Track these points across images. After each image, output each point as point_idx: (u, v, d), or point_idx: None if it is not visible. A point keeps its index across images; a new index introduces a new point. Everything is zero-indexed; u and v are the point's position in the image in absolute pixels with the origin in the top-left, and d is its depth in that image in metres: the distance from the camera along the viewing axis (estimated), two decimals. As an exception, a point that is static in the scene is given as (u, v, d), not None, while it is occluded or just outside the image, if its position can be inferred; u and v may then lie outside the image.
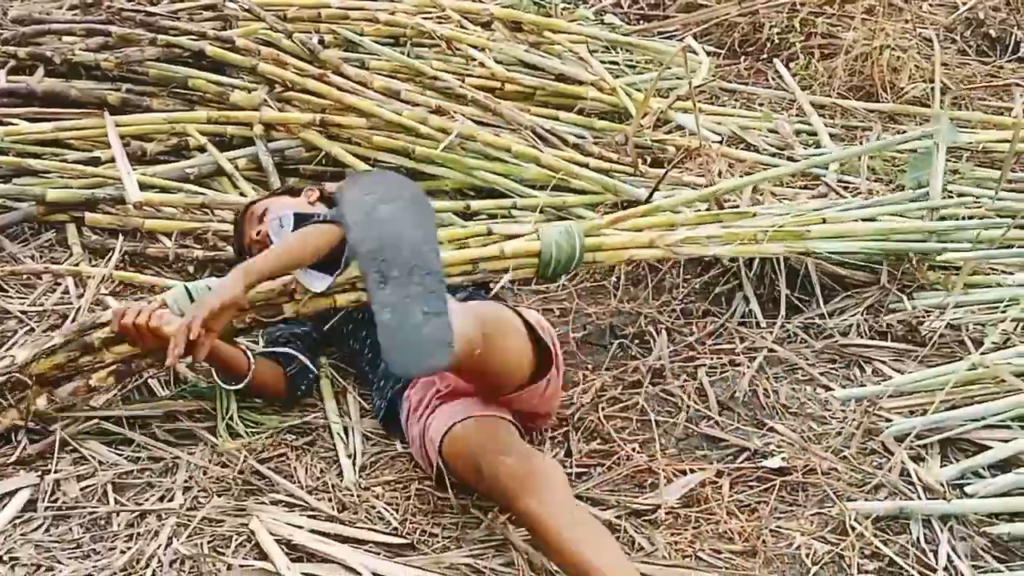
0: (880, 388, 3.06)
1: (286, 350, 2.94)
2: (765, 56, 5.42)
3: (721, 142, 4.45)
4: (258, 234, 3.14)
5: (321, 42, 4.61)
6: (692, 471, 2.73)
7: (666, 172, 3.87)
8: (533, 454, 2.49)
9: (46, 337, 2.90)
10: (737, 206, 3.64)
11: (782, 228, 3.31)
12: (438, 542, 2.48)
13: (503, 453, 2.45)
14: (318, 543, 2.41)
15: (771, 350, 3.24)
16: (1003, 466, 2.74)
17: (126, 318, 2.61)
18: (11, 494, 2.50)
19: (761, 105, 4.93)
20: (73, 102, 4.22)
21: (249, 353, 2.83)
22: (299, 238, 2.73)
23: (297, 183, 3.92)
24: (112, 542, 2.39)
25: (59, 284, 3.41)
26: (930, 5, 5.90)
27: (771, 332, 3.33)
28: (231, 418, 2.81)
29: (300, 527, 2.46)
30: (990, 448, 2.79)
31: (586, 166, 4.12)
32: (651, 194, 3.79)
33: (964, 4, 5.80)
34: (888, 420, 2.93)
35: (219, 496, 2.55)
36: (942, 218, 3.63)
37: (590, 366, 3.20)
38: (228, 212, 3.71)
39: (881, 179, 4.20)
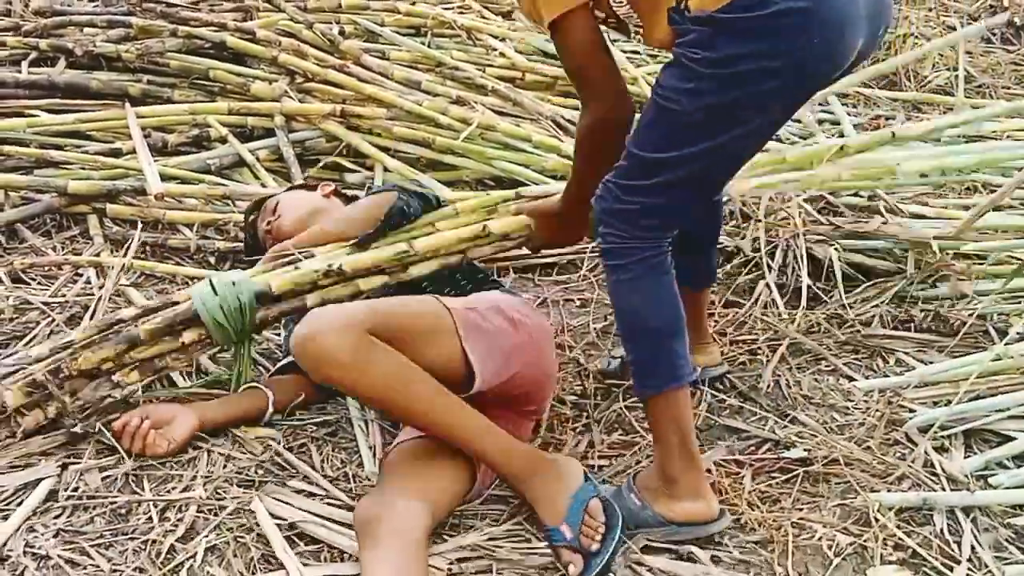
0: (904, 379, 3.04)
1: None
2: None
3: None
4: (268, 225, 3.17)
5: (341, 32, 4.61)
6: (714, 463, 2.72)
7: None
8: (396, 501, 2.38)
9: (63, 333, 2.90)
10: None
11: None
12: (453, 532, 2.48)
13: (376, 488, 2.49)
14: (322, 529, 2.41)
15: (793, 340, 3.22)
16: (1028, 457, 2.72)
17: (126, 430, 2.62)
18: (33, 485, 2.50)
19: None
20: (94, 93, 4.24)
21: (266, 390, 2.83)
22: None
23: (313, 175, 3.93)
24: (134, 533, 2.39)
25: (80, 275, 3.41)
26: (955, -8, 5.87)
27: (794, 322, 3.31)
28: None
29: (307, 511, 2.47)
30: (1015, 439, 2.76)
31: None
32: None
33: (990, -10, 5.77)
34: (911, 411, 2.91)
35: (240, 487, 2.55)
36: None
37: (613, 356, 3.18)
38: (249, 203, 3.71)
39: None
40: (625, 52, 4.95)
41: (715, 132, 2.29)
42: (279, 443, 2.72)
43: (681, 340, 2.45)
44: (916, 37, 5.05)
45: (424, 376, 2.42)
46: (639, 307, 2.44)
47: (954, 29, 5.27)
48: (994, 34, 5.47)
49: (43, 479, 2.52)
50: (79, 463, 2.57)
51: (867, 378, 3.09)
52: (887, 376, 3.10)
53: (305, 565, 2.31)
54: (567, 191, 2.82)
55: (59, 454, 2.61)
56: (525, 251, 3.61)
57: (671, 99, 2.29)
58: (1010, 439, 2.77)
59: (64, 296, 3.27)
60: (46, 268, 3.44)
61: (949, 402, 2.88)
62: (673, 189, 2.35)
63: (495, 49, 4.73)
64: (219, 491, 2.53)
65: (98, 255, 3.51)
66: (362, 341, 2.34)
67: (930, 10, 5.45)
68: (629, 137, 2.41)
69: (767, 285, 3.44)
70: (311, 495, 2.55)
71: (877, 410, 2.92)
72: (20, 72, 4.34)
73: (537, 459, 2.51)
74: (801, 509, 2.58)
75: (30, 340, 3.01)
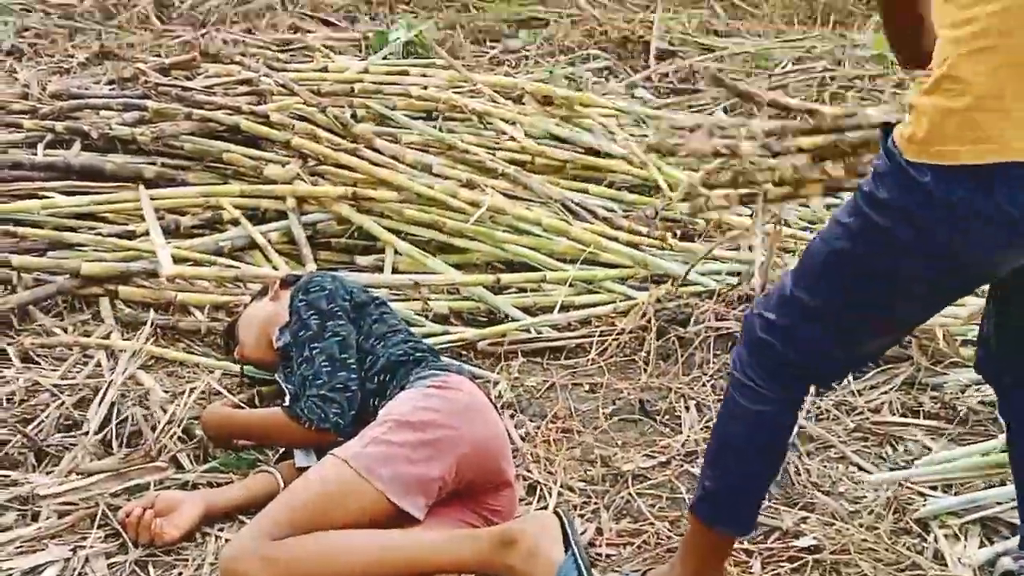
0: (913, 471, 3.03)
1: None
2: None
3: (752, 217, 4.45)
4: (237, 352, 3.34)
5: (354, 116, 4.66)
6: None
7: (707, 253, 3.90)
8: (275, 557, 2.41)
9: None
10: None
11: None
12: None
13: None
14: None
15: (802, 427, 3.22)
16: (1039, 548, 2.69)
17: (130, 521, 2.64)
18: (40, 569, 2.50)
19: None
20: (109, 176, 4.28)
21: (275, 473, 2.84)
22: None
23: (325, 258, 3.99)
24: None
25: (91, 356, 3.43)
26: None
27: (802, 409, 3.30)
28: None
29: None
30: (1026, 529, 2.75)
31: (616, 239, 4.13)
32: (687, 272, 3.82)
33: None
34: (922, 498, 2.90)
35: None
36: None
37: (620, 442, 3.18)
38: (260, 285, 3.73)
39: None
40: (634, 137, 4.97)
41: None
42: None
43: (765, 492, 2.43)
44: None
45: (348, 540, 2.45)
46: (747, 442, 2.36)
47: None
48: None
49: (51, 563, 2.51)
50: (86, 548, 2.56)
51: (876, 466, 3.08)
52: (897, 463, 3.09)
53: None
54: None
55: (69, 538, 2.60)
56: (533, 334, 3.65)
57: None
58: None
59: (74, 378, 3.28)
60: (57, 350, 3.45)
61: (959, 491, 2.87)
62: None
63: (505, 133, 4.77)
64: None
65: (108, 337, 3.52)
66: (267, 557, 2.38)
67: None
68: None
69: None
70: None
71: (887, 498, 2.90)
72: (36, 154, 4.39)
73: (506, 534, 2.46)
74: (811, 600, 2.57)
75: (39, 423, 3.02)
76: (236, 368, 3.36)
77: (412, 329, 3.30)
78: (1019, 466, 2.43)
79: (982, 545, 2.73)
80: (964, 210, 2.00)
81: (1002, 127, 1.97)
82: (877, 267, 2.14)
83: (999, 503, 2.83)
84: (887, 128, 2.12)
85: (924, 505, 2.86)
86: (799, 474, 3.03)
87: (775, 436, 2.37)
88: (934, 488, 2.95)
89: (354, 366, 2.93)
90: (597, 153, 4.75)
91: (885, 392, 3.38)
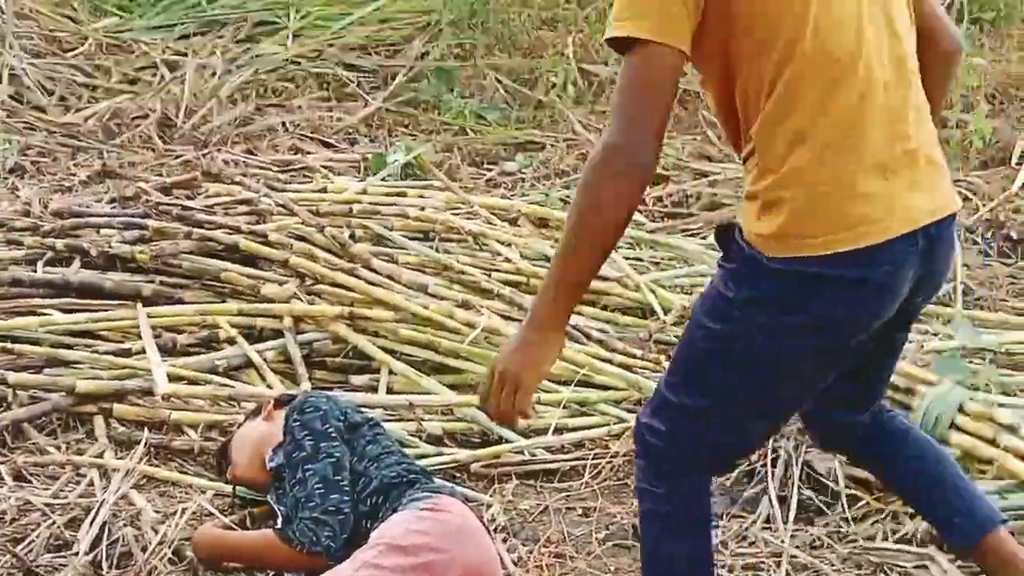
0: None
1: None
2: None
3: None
4: (230, 472, 3.33)
5: (352, 236, 4.72)
6: None
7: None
8: None
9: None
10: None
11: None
12: None
13: None
14: None
15: (794, 556, 3.20)
16: None
17: None
18: None
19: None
20: (108, 293, 4.31)
21: None
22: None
23: (319, 378, 4.00)
24: None
25: (83, 475, 3.42)
26: (951, 205, 5.99)
27: (795, 537, 3.29)
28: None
29: None
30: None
31: (610, 362, 4.15)
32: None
33: (984, 205, 5.90)
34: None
35: None
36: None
37: (613, 568, 3.17)
38: (254, 404, 3.74)
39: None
40: (628, 260, 5.02)
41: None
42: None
43: None
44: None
45: None
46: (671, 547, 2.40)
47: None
48: (991, 247, 5.58)
49: None
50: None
51: (871, 594, 3.07)
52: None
53: None
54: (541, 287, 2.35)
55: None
56: (527, 456, 3.65)
57: None
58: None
59: (66, 498, 3.27)
60: (49, 468, 3.44)
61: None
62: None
63: (501, 254, 4.82)
64: None
65: (102, 456, 3.52)
66: None
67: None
68: None
69: (769, 498, 3.44)
70: None
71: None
72: (36, 271, 4.43)
73: None
74: None
75: (29, 543, 3.00)
76: (228, 488, 3.36)
77: (406, 450, 3.31)
78: (911, 484, 2.62)
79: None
80: (839, 288, 2.15)
81: (864, 210, 2.15)
82: (761, 355, 2.23)
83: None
84: (725, 228, 2.27)
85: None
86: (793, 602, 3.02)
87: (694, 530, 2.40)
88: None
89: (347, 488, 2.94)
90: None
91: (877, 521, 3.37)
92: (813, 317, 2.20)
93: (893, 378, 3.09)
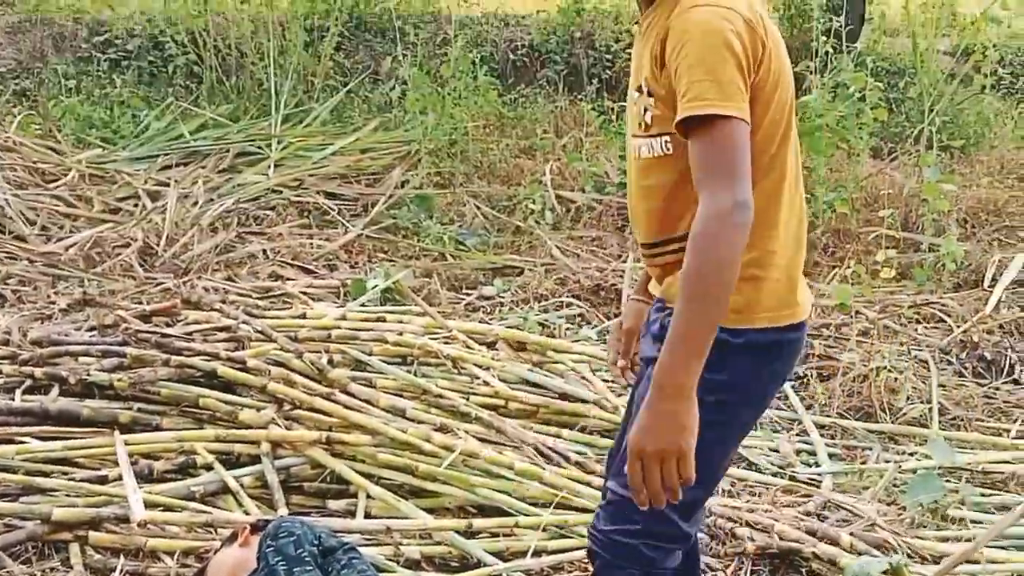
0: None
1: None
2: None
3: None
4: None
5: (330, 362, 4.74)
6: None
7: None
8: None
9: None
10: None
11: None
12: None
13: None
14: None
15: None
16: None
17: None
18: None
19: (764, 425, 4.99)
20: (85, 421, 4.31)
21: None
22: None
23: (297, 503, 3.98)
24: None
25: (58, 604, 3.39)
26: (924, 327, 6.07)
27: None
28: None
29: None
30: None
31: (589, 484, 4.15)
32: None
33: (958, 327, 5.97)
34: None
35: None
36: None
37: None
38: (231, 531, 3.72)
39: (883, 500, 4.22)
40: (606, 382, 5.05)
41: None
42: None
43: None
44: (889, 370, 5.20)
45: None
46: None
47: (926, 363, 5.44)
48: (965, 367, 5.63)
49: None
50: None
51: None
52: None
53: None
54: (666, 354, 2.31)
55: None
56: None
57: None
58: None
59: (39, 626, 3.23)
60: (23, 597, 3.41)
61: None
62: None
63: (479, 378, 4.85)
64: None
65: (76, 583, 3.49)
66: None
67: (901, 344, 5.63)
68: None
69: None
70: None
71: None
72: (14, 399, 4.43)
73: None
74: None
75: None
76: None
77: (382, 575, 3.29)
78: None
79: None
80: (791, 350, 2.54)
81: (805, 293, 2.55)
82: (730, 430, 2.53)
83: None
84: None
85: None
86: None
87: None
88: None
89: None
90: (570, 398, 4.82)
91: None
92: (772, 374, 2.54)
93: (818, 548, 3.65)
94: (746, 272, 2.36)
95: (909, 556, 3.66)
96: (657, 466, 2.26)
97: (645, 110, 2.45)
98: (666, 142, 2.42)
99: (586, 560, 3.77)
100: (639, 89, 2.46)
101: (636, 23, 2.59)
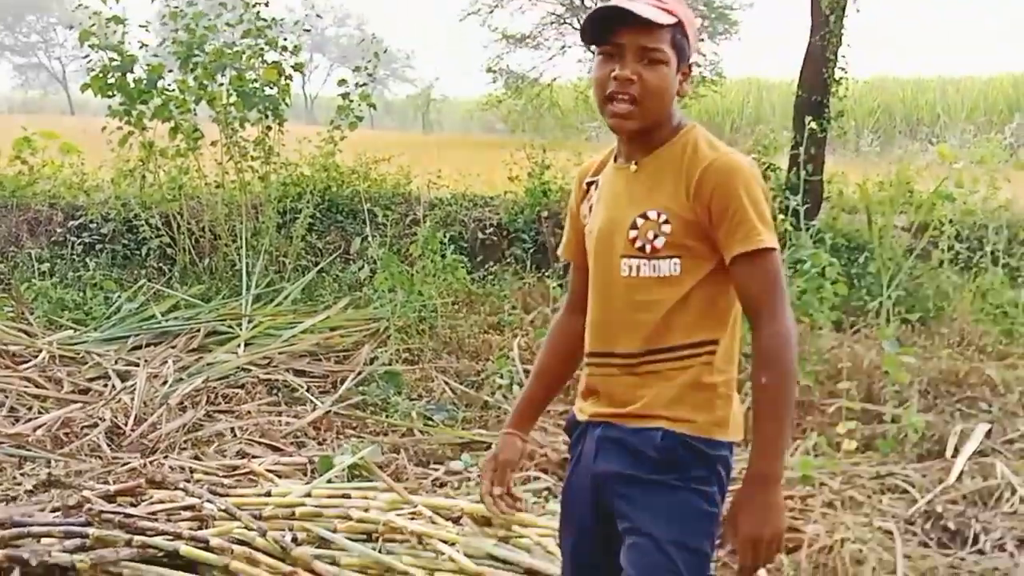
0: None
1: None
2: None
3: None
4: None
5: (294, 540, 4.72)
6: None
7: None
8: None
9: None
10: None
11: None
12: None
13: None
14: None
15: None
16: None
17: None
18: None
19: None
20: (46, 605, 4.28)
21: None
22: None
23: None
24: None
25: None
26: (888, 498, 6.10)
27: None
28: None
29: None
30: None
31: (553, 662, 4.12)
32: None
33: (922, 497, 6.00)
34: None
35: None
36: None
37: None
38: None
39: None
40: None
41: None
42: None
43: None
44: (853, 541, 5.22)
45: None
46: None
47: (891, 534, 5.45)
48: (930, 538, 5.65)
49: None
50: None
51: None
52: None
53: None
54: (764, 452, 2.74)
55: None
56: None
57: None
58: None
59: None
60: None
61: None
62: None
63: (444, 554, 4.83)
64: None
65: None
66: None
67: (866, 515, 5.66)
68: None
69: None
70: None
71: None
72: (-27, 582, 4.40)
73: None
74: None
75: None
76: None
77: None
78: None
79: None
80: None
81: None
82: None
83: None
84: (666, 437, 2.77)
85: None
86: None
87: None
88: None
89: None
90: (537, 573, 4.80)
91: None
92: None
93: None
94: (722, 391, 2.78)
95: None
96: (767, 546, 2.67)
97: (655, 236, 2.76)
98: (675, 264, 2.76)
99: None
100: (644, 216, 2.78)
101: (627, 162, 2.90)
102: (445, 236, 9.74)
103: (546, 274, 10.55)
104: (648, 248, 2.77)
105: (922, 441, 6.84)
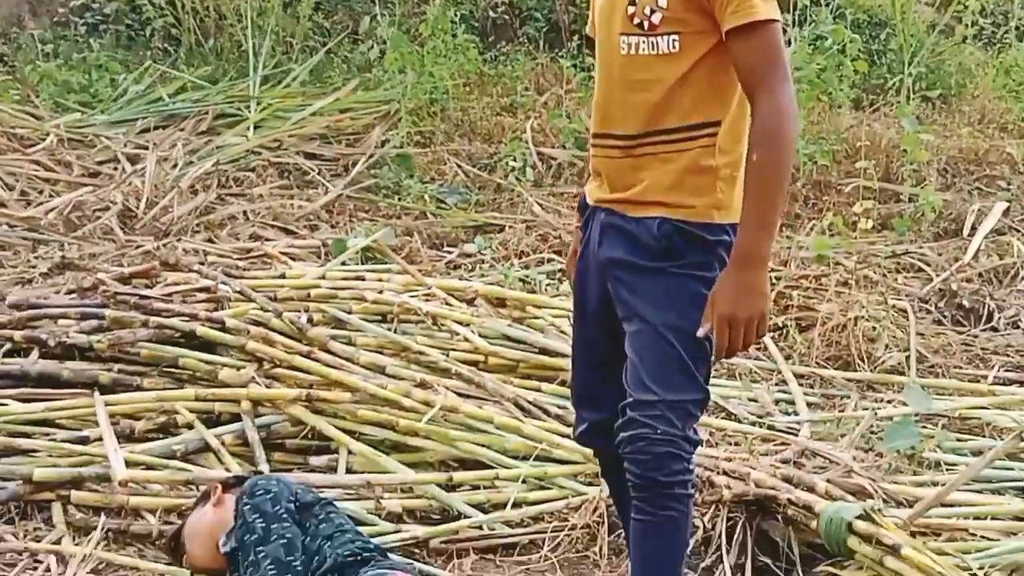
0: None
1: None
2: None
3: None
4: (185, 561, 3.34)
5: (310, 320, 4.75)
6: None
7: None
8: None
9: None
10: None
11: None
12: None
13: None
14: None
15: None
16: None
17: None
18: None
19: (743, 376, 5.01)
20: (65, 383, 4.32)
21: None
22: None
23: (279, 459, 4.01)
24: None
25: (40, 562, 3.41)
26: (904, 277, 6.09)
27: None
28: None
29: None
30: None
31: (567, 436, 4.17)
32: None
33: (937, 275, 6.00)
34: None
35: None
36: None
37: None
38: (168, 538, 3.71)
39: (860, 447, 4.25)
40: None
41: None
42: None
43: None
44: (867, 319, 5.23)
45: None
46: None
47: (905, 312, 5.46)
48: (944, 316, 5.67)
49: None
50: None
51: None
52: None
53: None
54: (749, 231, 2.65)
55: None
56: (486, 531, 3.66)
57: None
58: None
59: (22, 584, 3.26)
60: (7, 555, 3.43)
61: None
62: None
63: (458, 334, 4.86)
64: None
65: (59, 542, 3.51)
66: None
67: (881, 294, 5.65)
68: None
69: (725, 568, 3.46)
70: None
71: None
72: (-6, 362, 4.44)
73: None
74: None
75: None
76: (186, 574, 3.35)
77: (364, 528, 3.31)
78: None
79: None
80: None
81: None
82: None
83: None
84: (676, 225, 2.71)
85: None
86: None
87: None
88: None
89: (300, 569, 2.95)
90: (549, 352, 4.83)
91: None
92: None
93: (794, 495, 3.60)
94: (724, 173, 2.69)
95: (884, 501, 3.69)
96: (743, 328, 2.60)
97: (652, 11, 2.65)
98: (674, 41, 2.65)
99: (564, 511, 3.82)
100: None
101: None
102: (456, 15, 9.47)
103: (559, 54, 10.29)
104: (646, 24, 2.66)
105: (939, 220, 6.80)
